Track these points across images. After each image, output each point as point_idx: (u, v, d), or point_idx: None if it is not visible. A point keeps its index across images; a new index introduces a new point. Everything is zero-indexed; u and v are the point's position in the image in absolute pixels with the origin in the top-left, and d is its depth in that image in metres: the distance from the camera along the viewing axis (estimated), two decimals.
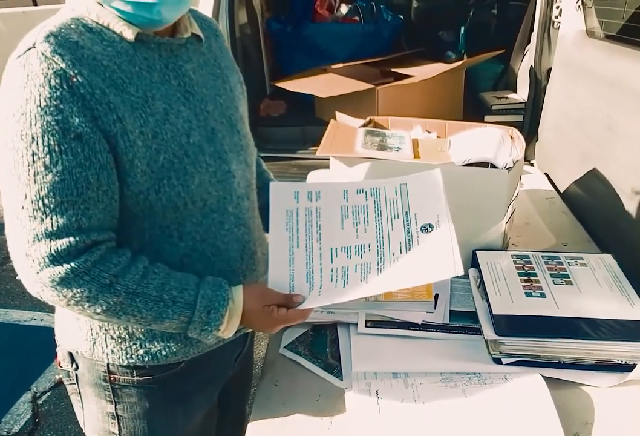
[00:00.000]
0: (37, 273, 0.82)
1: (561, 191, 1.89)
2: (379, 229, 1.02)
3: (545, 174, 2.08)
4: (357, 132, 1.59)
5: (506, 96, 2.68)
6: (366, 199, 1.07)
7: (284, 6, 3.13)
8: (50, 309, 2.72)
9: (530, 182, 1.96)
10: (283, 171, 2.45)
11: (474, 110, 2.64)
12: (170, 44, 0.91)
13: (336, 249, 1.01)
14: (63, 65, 0.79)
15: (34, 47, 0.80)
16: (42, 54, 0.79)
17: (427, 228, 0.99)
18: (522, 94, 2.62)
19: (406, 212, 1.03)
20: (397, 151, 1.51)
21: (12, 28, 6.55)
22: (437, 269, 0.94)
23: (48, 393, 2.33)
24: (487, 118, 2.54)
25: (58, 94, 0.78)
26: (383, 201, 1.06)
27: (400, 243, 0.99)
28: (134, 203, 0.88)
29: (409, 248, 0.98)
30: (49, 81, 0.78)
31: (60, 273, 0.82)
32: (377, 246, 1.00)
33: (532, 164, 2.30)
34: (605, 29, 2.00)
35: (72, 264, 0.82)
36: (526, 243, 1.55)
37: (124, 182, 0.86)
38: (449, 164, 1.41)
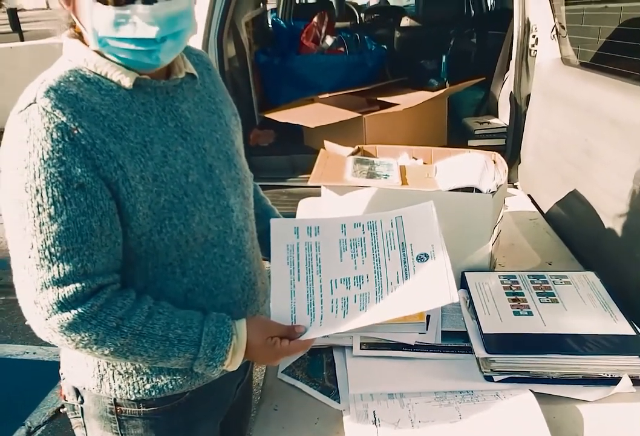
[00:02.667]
0: (46, 319, 0.85)
1: (544, 211, 1.95)
2: (377, 260, 1.06)
3: (529, 195, 2.14)
4: (347, 161, 1.64)
5: (488, 120, 2.78)
6: (363, 232, 1.11)
7: (271, 39, 3.23)
8: (43, 343, 2.73)
9: (515, 204, 2.02)
10: (274, 199, 2.48)
11: (458, 135, 2.73)
12: (166, 86, 0.95)
13: (336, 280, 1.05)
14: (64, 118, 0.82)
15: (35, 103, 0.83)
16: (44, 109, 0.82)
17: (422, 258, 1.04)
18: (503, 118, 2.71)
19: (402, 243, 1.07)
20: (386, 178, 1.57)
21: (1, 62, 6.64)
22: (433, 297, 0.98)
23: (42, 427, 2.31)
24: (470, 142, 2.62)
25: (60, 146, 0.81)
26: (380, 233, 1.10)
27: (398, 272, 1.03)
28: (137, 245, 0.91)
29: (406, 277, 1.02)
30: (51, 135, 0.81)
31: (68, 318, 0.85)
32: (375, 277, 1.04)
33: (515, 187, 2.37)
34: (580, 57, 2.09)
35: (79, 309, 0.85)
36: (512, 263, 1.60)
37: (127, 226, 0.89)
38: (436, 191, 1.47)
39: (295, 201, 2.12)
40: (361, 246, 1.09)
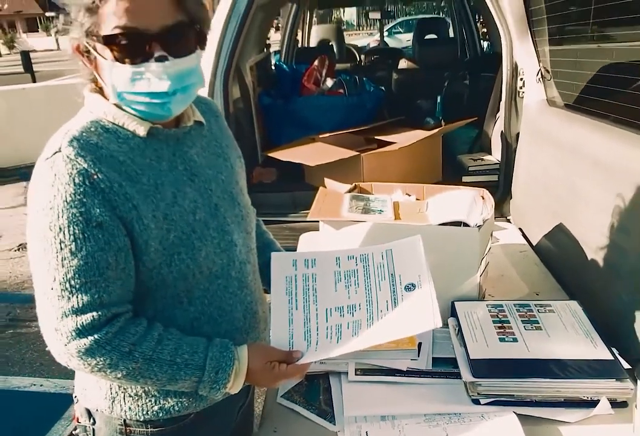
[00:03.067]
0: (65, 345, 0.94)
1: (534, 244, 2.04)
2: (368, 290, 1.15)
3: (520, 229, 2.23)
4: (344, 198, 1.75)
5: (482, 157, 2.89)
6: (356, 264, 1.20)
7: (274, 81, 3.39)
8: (49, 375, 2.78)
9: (506, 237, 2.11)
10: (276, 233, 2.57)
11: (452, 171, 2.84)
12: (176, 134, 1.05)
13: (330, 309, 1.13)
14: (85, 165, 0.92)
15: (60, 151, 0.92)
16: (67, 156, 0.92)
17: (410, 287, 1.12)
18: (496, 155, 2.83)
19: (392, 274, 1.16)
20: (380, 213, 1.67)
21: (13, 104, 6.88)
22: (418, 322, 1.06)
23: None
24: (464, 178, 2.73)
25: (81, 190, 0.91)
26: (371, 265, 1.19)
27: (387, 301, 1.11)
28: (148, 277, 1.01)
29: (395, 305, 1.10)
30: (74, 179, 0.91)
31: (85, 344, 0.94)
32: (367, 305, 1.12)
33: (509, 220, 2.47)
34: (565, 99, 2.21)
35: (96, 336, 0.94)
36: (502, 293, 1.68)
37: (140, 260, 0.98)
38: (426, 225, 1.56)
39: (297, 235, 2.21)
40: (354, 277, 1.18)
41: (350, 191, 1.84)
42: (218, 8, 2.58)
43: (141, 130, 1.00)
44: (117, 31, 0.91)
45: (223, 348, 1.03)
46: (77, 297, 0.93)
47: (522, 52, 2.33)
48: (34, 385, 2.77)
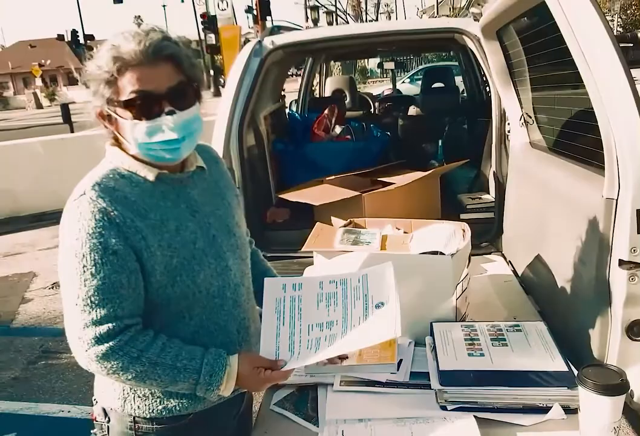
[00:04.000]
0: (86, 351, 1.15)
1: (519, 274, 2.20)
2: (345, 308, 1.33)
3: (510, 261, 2.40)
4: (337, 232, 1.96)
5: (480, 196, 3.08)
6: (336, 287, 1.39)
7: (286, 130, 3.66)
8: (76, 402, 2.99)
9: (494, 268, 2.29)
10: (286, 267, 2.80)
11: (452, 209, 3.03)
12: (180, 178, 1.27)
13: (312, 325, 1.32)
14: (104, 205, 1.14)
15: (85, 194, 1.15)
16: (90, 198, 1.14)
17: (379, 305, 1.31)
18: (493, 194, 3.01)
19: (365, 294, 1.35)
20: (368, 244, 1.87)
21: (52, 153, 7.35)
22: (382, 332, 1.25)
23: None
24: (462, 216, 2.91)
25: (100, 224, 1.13)
26: (349, 288, 1.38)
27: (360, 317, 1.30)
28: (154, 296, 1.22)
29: (365, 320, 1.29)
30: (94, 216, 1.13)
31: (102, 350, 1.15)
32: (343, 321, 1.31)
33: (503, 255, 2.63)
34: (546, 142, 2.40)
35: (111, 343, 1.15)
36: (483, 318, 1.82)
37: (147, 282, 1.20)
38: (406, 254, 1.76)
39: (304, 270, 2.42)
40: (334, 297, 1.37)
41: (345, 226, 2.05)
42: (233, 67, 2.89)
43: (151, 176, 1.23)
44: (133, 95, 1.15)
45: (217, 356, 1.22)
46: (96, 311, 1.14)
47: (506, 100, 2.55)
48: (62, 411, 2.98)
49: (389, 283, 1.34)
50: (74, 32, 26.51)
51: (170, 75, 1.17)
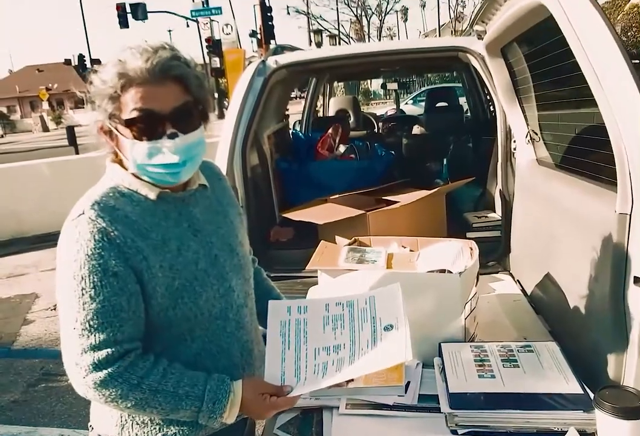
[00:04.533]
0: (84, 377, 1.10)
1: (528, 293, 2.15)
2: (352, 331, 1.29)
3: (518, 281, 2.35)
4: (342, 250, 1.92)
5: (486, 215, 3.04)
6: (343, 309, 1.34)
7: (290, 149, 3.66)
8: (76, 426, 2.92)
9: (502, 287, 2.24)
10: (289, 288, 2.75)
11: (458, 228, 2.99)
12: (182, 197, 1.22)
13: (319, 349, 1.27)
14: (104, 224, 1.10)
15: (84, 214, 1.11)
16: (89, 217, 1.10)
17: (388, 327, 1.27)
18: (499, 212, 2.98)
19: (373, 317, 1.30)
20: (373, 263, 1.83)
21: (56, 174, 7.37)
22: (392, 356, 1.20)
23: None
24: (469, 234, 2.87)
25: (100, 245, 1.08)
26: (356, 310, 1.33)
27: (368, 340, 1.26)
28: (155, 319, 1.18)
29: (374, 343, 1.25)
30: (94, 236, 1.09)
31: (100, 377, 1.10)
32: (350, 345, 1.26)
33: (511, 274, 2.58)
34: (553, 159, 2.38)
35: (109, 369, 1.10)
36: (491, 338, 1.77)
37: (148, 304, 1.16)
38: (412, 272, 1.72)
39: (308, 290, 2.38)
40: (341, 320, 1.32)
41: (349, 244, 2.01)
42: (236, 86, 2.89)
43: (152, 195, 1.19)
44: (135, 114, 1.10)
45: (220, 382, 1.17)
46: (95, 336, 1.10)
47: (512, 117, 2.53)
48: (62, 435, 2.91)
49: (397, 304, 1.30)
50: (81, 57, 26.86)
51: (176, 95, 1.13)
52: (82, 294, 1.09)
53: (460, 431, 1.32)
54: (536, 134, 2.45)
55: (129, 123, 1.12)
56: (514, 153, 2.64)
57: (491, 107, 4.78)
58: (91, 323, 1.09)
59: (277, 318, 1.33)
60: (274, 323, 1.32)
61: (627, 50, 1.30)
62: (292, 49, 3.45)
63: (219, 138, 2.85)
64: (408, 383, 1.52)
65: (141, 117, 1.11)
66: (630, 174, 1.27)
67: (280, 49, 3.22)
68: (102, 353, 1.10)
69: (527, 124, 2.47)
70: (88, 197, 1.16)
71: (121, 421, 1.23)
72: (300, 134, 3.88)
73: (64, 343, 1.13)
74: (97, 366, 1.09)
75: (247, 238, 1.42)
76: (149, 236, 1.15)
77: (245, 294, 1.33)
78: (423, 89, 18.37)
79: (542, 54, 2.00)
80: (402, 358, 1.18)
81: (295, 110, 7.07)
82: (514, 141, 2.63)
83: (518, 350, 1.56)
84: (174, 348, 1.21)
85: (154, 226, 1.17)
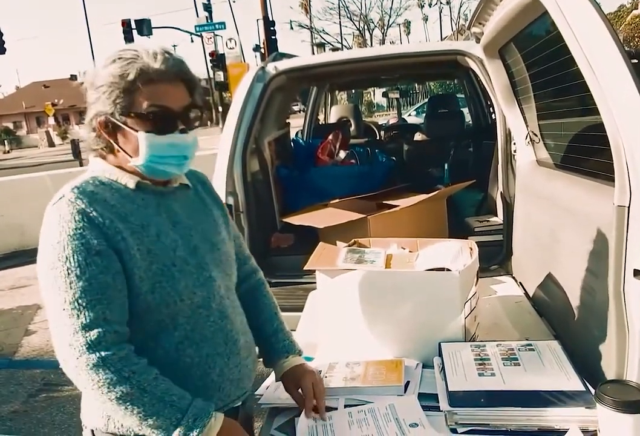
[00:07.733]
0: (77, 358, 1.10)
1: (530, 295, 2.13)
2: (378, 427, 1.32)
3: (520, 283, 2.32)
4: (340, 251, 1.91)
5: (487, 219, 3.03)
6: (365, 415, 1.39)
7: (291, 156, 3.66)
8: None
9: (504, 289, 2.21)
10: (290, 293, 2.74)
11: (459, 232, 2.95)
12: (161, 190, 1.26)
13: None
14: (83, 206, 1.13)
15: (63, 197, 1.15)
16: (69, 200, 1.13)
17: (414, 425, 1.31)
18: (501, 216, 2.96)
19: (396, 418, 1.35)
20: (372, 263, 1.81)
21: (60, 186, 7.44)
22: None
23: None
24: (470, 239, 2.84)
25: (81, 225, 1.12)
26: (378, 414, 1.38)
27: (396, 433, 1.29)
28: (134, 303, 1.18)
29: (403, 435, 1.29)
30: (74, 217, 1.12)
31: (93, 359, 1.10)
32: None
33: (514, 277, 2.56)
34: (553, 159, 2.36)
35: (103, 353, 1.10)
36: (493, 339, 1.75)
37: (128, 286, 1.16)
38: (410, 271, 1.70)
39: (308, 295, 2.37)
40: (365, 422, 1.36)
41: (349, 246, 1.99)
42: (236, 93, 2.90)
43: (131, 183, 1.23)
44: (153, 109, 1.16)
45: (205, 404, 1.17)
46: (85, 314, 1.10)
47: (511, 119, 2.53)
48: None
49: (417, 410, 1.37)
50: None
51: (184, 95, 1.21)
52: (68, 274, 1.10)
53: (460, 430, 1.29)
54: (536, 135, 2.44)
55: (145, 117, 1.17)
56: (514, 155, 2.63)
57: (491, 113, 4.79)
58: (80, 301, 1.10)
59: (304, 423, 1.36)
60: (302, 427, 1.36)
61: (620, 42, 1.29)
62: (292, 57, 3.47)
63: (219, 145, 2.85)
64: (407, 383, 1.50)
65: (160, 112, 1.17)
66: (627, 165, 1.25)
67: (280, 56, 3.23)
68: (94, 333, 1.10)
69: (527, 126, 2.46)
70: (68, 184, 1.19)
71: (106, 412, 1.21)
72: (301, 141, 3.88)
73: (54, 326, 1.13)
74: (90, 346, 1.10)
75: (232, 241, 1.42)
76: (127, 219, 1.18)
77: (227, 289, 1.34)
78: (426, 100, 18.41)
79: (539, 52, 2.00)
80: None
81: (296, 124, 7.11)
82: (514, 143, 2.62)
83: (519, 349, 1.53)
84: (157, 335, 1.21)
85: (134, 212, 1.20)
